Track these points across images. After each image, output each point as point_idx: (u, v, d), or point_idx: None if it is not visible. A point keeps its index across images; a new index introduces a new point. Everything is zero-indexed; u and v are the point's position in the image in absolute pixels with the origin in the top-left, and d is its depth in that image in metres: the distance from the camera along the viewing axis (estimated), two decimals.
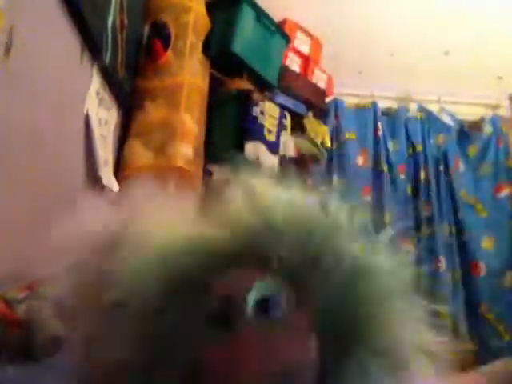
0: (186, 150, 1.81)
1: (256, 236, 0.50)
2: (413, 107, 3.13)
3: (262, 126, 2.10)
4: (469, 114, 3.17)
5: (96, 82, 1.51)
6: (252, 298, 0.46)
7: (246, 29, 2.17)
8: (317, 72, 2.71)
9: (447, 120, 3.12)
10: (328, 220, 0.51)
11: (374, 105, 3.08)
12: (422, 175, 2.97)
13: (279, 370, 0.45)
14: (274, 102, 2.25)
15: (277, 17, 2.40)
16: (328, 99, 2.91)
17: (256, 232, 0.50)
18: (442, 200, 2.94)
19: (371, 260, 0.49)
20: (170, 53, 1.88)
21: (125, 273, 0.51)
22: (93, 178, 1.51)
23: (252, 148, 2.04)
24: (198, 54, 1.94)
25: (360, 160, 2.98)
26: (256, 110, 2.10)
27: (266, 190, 0.53)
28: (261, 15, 2.24)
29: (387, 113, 3.12)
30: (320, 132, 2.66)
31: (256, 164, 2.02)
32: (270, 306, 0.46)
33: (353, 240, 0.50)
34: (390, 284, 0.49)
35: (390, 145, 3.04)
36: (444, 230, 2.87)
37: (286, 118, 2.28)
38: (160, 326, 0.48)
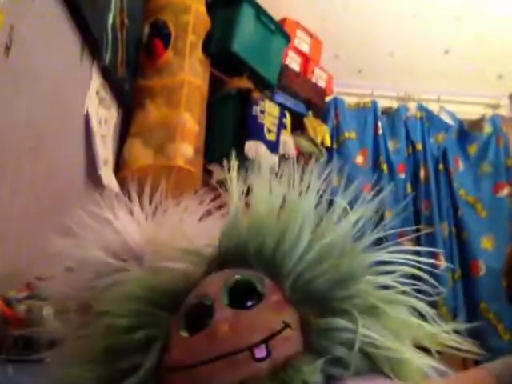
0: (185, 149, 1.81)
1: (230, 238, 0.53)
2: (413, 106, 3.13)
3: (261, 125, 2.10)
4: (469, 113, 3.17)
5: (96, 82, 1.51)
6: (225, 290, 0.47)
7: (246, 28, 2.17)
8: (317, 71, 2.71)
9: (447, 119, 3.12)
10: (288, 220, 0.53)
11: (374, 104, 3.07)
12: (422, 174, 2.98)
13: (256, 340, 0.44)
14: (273, 101, 2.25)
15: (277, 16, 2.40)
16: (328, 98, 2.91)
17: (232, 235, 0.53)
18: (442, 199, 2.94)
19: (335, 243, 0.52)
20: (170, 52, 1.87)
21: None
22: (93, 177, 1.52)
23: (252, 147, 2.04)
24: (198, 53, 1.94)
25: (360, 159, 2.99)
26: (256, 109, 2.10)
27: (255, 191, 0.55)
28: (261, 14, 2.24)
29: (387, 112, 3.12)
30: (320, 131, 2.66)
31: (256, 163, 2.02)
32: (243, 294, 0.47)
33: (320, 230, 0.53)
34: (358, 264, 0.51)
35: (390, 144, 3.04)
36: (443, 229, 2.87)
37: (285, 117, 2.28)
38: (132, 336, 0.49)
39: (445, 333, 0.50)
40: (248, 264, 0.51)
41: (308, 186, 0.55)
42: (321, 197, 0.55)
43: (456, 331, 0.51)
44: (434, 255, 0.58)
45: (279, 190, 0.55)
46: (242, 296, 0.47)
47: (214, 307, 0.46)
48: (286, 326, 0.45)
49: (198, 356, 0.44)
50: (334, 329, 0.46)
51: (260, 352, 0.43)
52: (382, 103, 3.11)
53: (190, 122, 1.85)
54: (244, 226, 0.53)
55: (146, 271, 0.57)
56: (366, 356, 0.46)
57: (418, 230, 2.83)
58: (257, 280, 0.49)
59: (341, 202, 0.54)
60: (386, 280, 0.51)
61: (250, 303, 0.47)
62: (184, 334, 0.46)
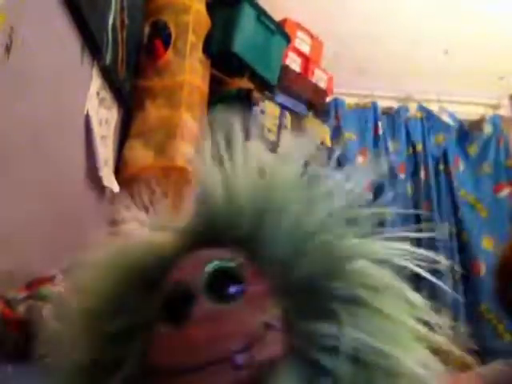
0: (186, 150, 1.81)
1: (213, 213, 0.46)
2: (413, 107, 3.13)
3: (262, 126, 2.11)
4: (469, 113, 3.17)
5: (96, 82, 1.51)
6: (203, 277, 0.42)
7: (246, 28, 2.17)
8: (317, 72, 2.70)
9: (447, 119, 3.12)
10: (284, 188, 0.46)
11: (374, 104, 3.07)
12: (422, 175, 2.97)
13: (236, 349, 0.40)
14: (274, 101, 2.25)
15: (277, 16, 2.40)
16: (328, 99, 2.91)
17: (213, 209, 0.46)
18: (442, 200, 2.94)
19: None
20: (170, 52, 1.88)
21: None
22: (93, 178, 1.52)
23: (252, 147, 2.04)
24: (199, 54, 1.95)
25: (360, 159, 2.98)
26: (256, 110, 2.10)
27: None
28: (261, 15, 2.24)
29: (387, 112, 3.12)
30: (320, 132, 2.66)
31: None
32: (225, 283, 0.42)
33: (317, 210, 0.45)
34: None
35: (390, 144, 3.04)
36: (444, 230, 2.87)
37: (286, 117, 2.29)
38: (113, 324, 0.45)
39: (443, 334, 0.45)
40: (224, 242, 0.45)
41: (293, 152, 0.48)
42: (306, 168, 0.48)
43: (455, 332, 0.47)
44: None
45: (258, 154, 0.49)
46: (222, 283, 0.42)
47: (192, 296, 0.41)
48: (269, 327, 0.41)
49: (174, 362, 0.40)
50: (318, 333, 0.41)
51: (240, 360, 0.40)
52: (382, 103, 3.11)
53: (191, 123, 1.86)
54: (218, 198, 0.46)
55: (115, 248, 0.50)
56: (359, 366, 0.40)
57: (418, 231, 2.83)
58: (237, 266, 0.43)
59: (333, 174, 0.47)
60: (382, 272, 0.45)
61: (230, 292, 0.42)
62: (163, 328, 0.42)
